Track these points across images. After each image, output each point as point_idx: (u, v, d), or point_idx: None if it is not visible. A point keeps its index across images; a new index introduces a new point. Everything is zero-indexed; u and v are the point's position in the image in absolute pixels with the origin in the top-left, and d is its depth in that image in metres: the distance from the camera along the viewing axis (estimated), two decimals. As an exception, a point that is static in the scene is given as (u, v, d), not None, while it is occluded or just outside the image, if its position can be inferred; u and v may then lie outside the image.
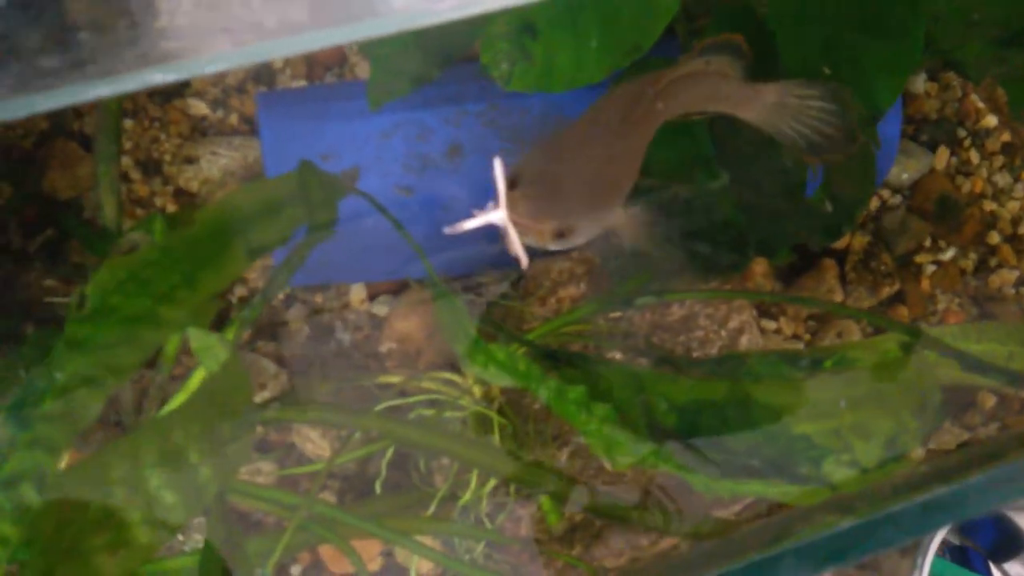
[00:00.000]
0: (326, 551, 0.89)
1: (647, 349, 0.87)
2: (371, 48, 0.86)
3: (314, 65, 1.05)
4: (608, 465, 0.63)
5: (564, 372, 0.68)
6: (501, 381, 0.65)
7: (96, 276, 0.67)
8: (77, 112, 0.96)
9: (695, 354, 0.91)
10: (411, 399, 0.81)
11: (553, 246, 0.62)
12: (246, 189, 0.79)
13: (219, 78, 1.03)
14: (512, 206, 0.60)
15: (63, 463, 0.67)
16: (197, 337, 0.65)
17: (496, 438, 0.78)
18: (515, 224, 0.59)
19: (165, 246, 0.72)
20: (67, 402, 0.63)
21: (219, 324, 0.78)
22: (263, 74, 1.03)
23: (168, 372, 0.82)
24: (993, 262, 1.04)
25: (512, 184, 0.61)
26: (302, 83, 1.04)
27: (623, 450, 0.60)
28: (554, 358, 0.73)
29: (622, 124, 0.66)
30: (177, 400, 0.71)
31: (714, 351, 0.92)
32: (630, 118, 0.67)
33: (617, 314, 0.85)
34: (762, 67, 0.80)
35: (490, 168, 0.87)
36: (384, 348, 0.97)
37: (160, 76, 0.41)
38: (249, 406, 0.64)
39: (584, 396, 0.62)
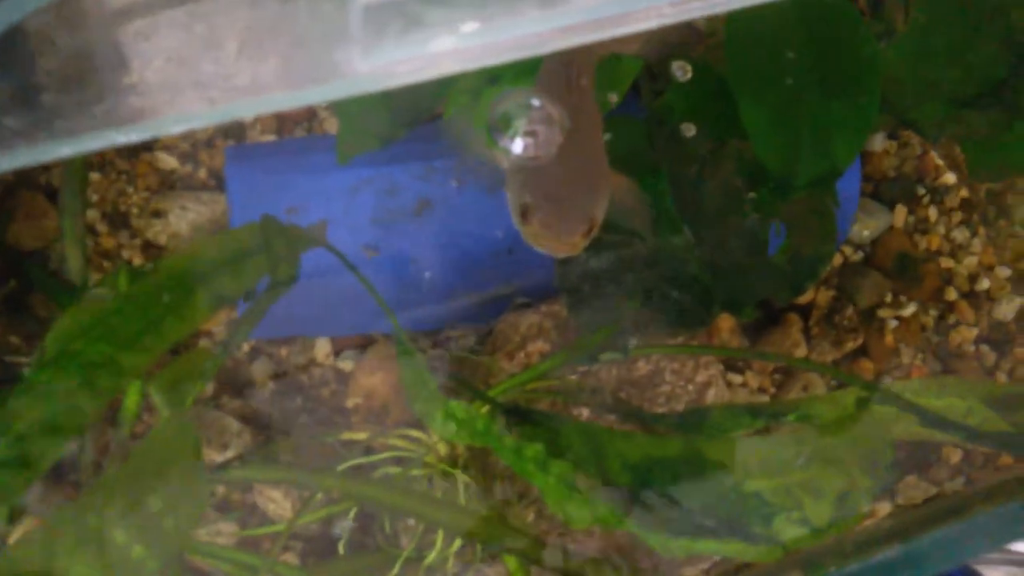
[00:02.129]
0: (288, 612, 0.88)
1: (614, 404, 0.87)
2: (340, 106, 0.87)
3: (284, 120, 1.05)
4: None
5: (524, 429, 0.68)
6: (460, 439, 0.64)
7: (58, 322, 0.67)
8: (43, 164, 0.95)
9: (661, 409, 0.91)
10: (375, 457, 0.80)
11: (587, 242, 0.67)
12: (211, 239, 0.79)
13: (189, 133, 1.03)
14: (537, 239, 0.65)
15: (21, 530, 0.66)
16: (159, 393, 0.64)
17: (462, 497, 0.77)
18: (551, 251, 0.66)
19: (128, 294, 0.72)
20: (23, 448, 0.62)
21: (181, 377, 0.77)
22: (233, 129, 1.04)
23: (129, 430, 0.81)
24: (952, 319, 1.05)
25: (525, 219, 0.65)
26: (272, 137, 1.05)
27: (580, 509, 0.60)
28: (515, 415, 0.73)
29: (571, 111, 0.70)
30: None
31: (680, 406, 0.93)
32: (572, 102, 0.71)
33: (584, 369, 0.85)
34: (723, 126, 0.82)
35: (456, 222, 0.88)
36: (350, 404, 0.96)
37: (123, 137, 0.41)
38: (197, 464, 0.63)
39: (542, 454, 0.62)
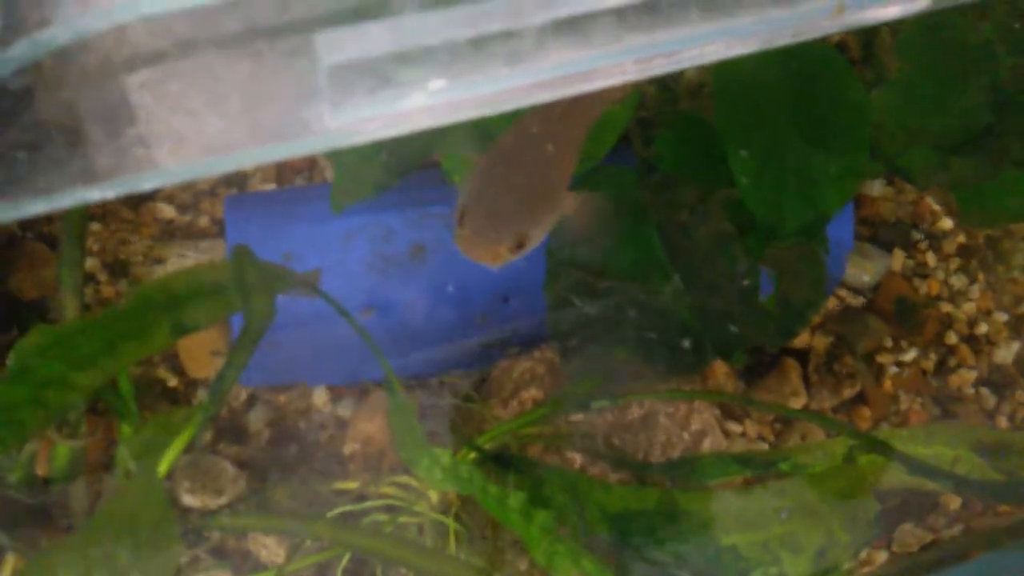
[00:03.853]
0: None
1: (605, 451, 0.87)
2: (335, 155, 0.89)
3: (284, 169, 1.07)
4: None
5: (510, 477, 0.68)
6: (445, 487, 0.64)
7: (22, 341, 0.68)
8: (46, 215, 0.97)
9: (656, 457, 0.91)
10: (365, 504, 0.80)
11: (519, 256, 0.65)
12: (183, 272, 0.80)
13: (190, 183, 1.05)
14: (465, 244, 0.63)
15: (7, 570, 0.66)
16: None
17: (452, 545, 0.77)
18: (476, 258, 0.63)
19: (93, 317, 0.73)
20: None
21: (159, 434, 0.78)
22: (234, 178, 1.06)
23: (124, 476, 0.82)
24: (952, 362, 1.05)
25: (460, 222, 0.64)
26: (272, 186, 1.06)
27: (563, 560, 0.60)
28: (502, 462, 0.73)
29: (551, 123, 0.69)
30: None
31: (676, 453, 0.92)
32: (552, 128, 0.70)
33: (579, 416, 0.85)
34: (713, 174, 0.83)
35: (451, 268, 0.88)
36: (347, 450, 0.96)
37: (98, 193, 0.43)
38: (167, 520, 0.64)
39: (524, 504, 0.62)
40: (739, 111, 0.80)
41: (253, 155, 0.44)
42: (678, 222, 0.82)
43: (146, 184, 0.45)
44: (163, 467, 0.73)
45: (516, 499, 0.61)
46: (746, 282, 0.83)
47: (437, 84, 0.47)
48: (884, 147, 0.85)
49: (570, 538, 0.61)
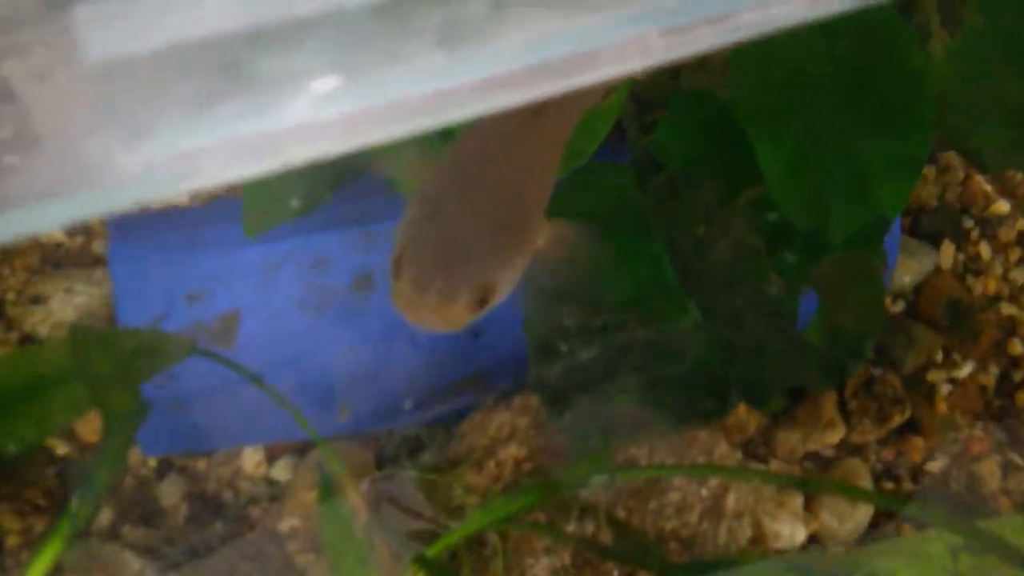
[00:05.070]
0: None
1: (609, 526, 0.69)
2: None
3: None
4: None
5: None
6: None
7: None
8: None
9: (670, 525, 0.73)
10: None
11: (482, 314, 0.46)
12: (7, 359, 0.60)
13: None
14: (405, 303, 0.45)
15: None
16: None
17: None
18: (421, 323, 0.45)
19: None
20: None
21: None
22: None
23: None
24: (1018, 376, 0.87)
25: (397, 270, 0.45)
26: (184, 201, 0.86)
27: None
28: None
29: (524, 122, 0.50)
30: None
31: (694, 517, 0.74)
32: (530, 111, 0.50)
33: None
34: (734, 169, 0.64)
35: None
36: (285, 526, 0.77)
37: None
38: None
39: None
40: (766, 87, 0.61)
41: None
42: (691, 235, 0.63)
43: None
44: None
45: None
46: (781, 308, 0.64)
47: (326, 83, 0.28)
48: (947, 124, 0.66)
49: None
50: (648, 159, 0.67)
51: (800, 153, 0.61)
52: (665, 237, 0.63)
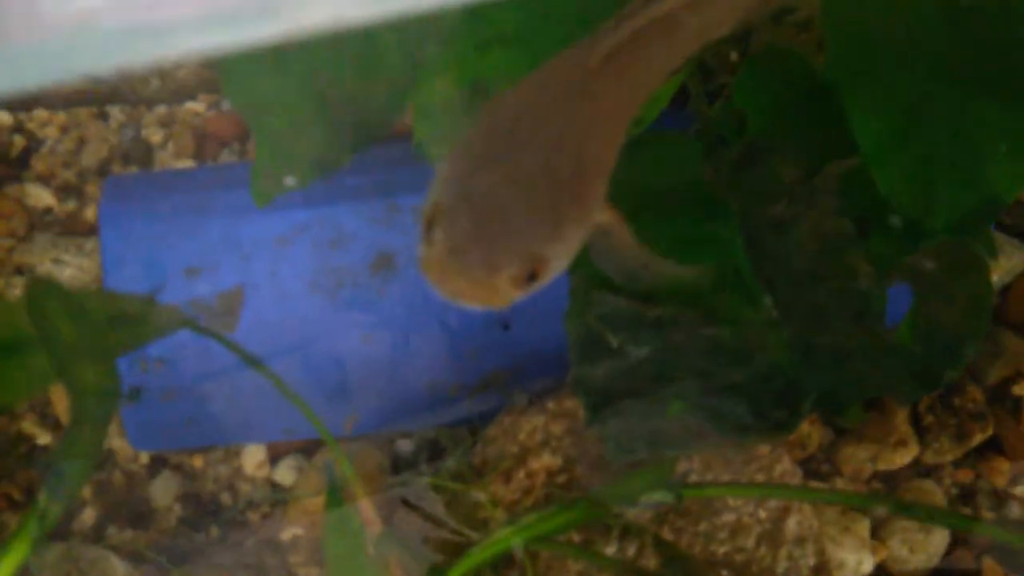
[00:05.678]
0: None
1: (654, 549, 0.60)
2: (256, 116, 0.60)
3: (205, 140, 0.79)
4: None
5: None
6: None
7: None
8: None
9: (723, 550, 0.64)
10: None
11: (530, 293, 0.38)
12: None
13: (73, 157, 0.76)
14: (438, 273, 0.37)
15: None
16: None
17: None
18: (457, 296, 0.37)
19: None
20: None
21: None
22: (135, 152, 0.77)
23: None
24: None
25: (429, 233, 0.38)
26: (189, 163, 0.78)
27: None
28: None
29: (588, 75, 0.43)
30: None
31: (750, 542, 0.65)
32: (595, 63, 0.43)
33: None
34: (821, 140, 0.55)
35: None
36: (287, 535, 0.69)
37: None
38: None
39: None
40: (865, 47, 0.52)
41: None
42: (769, 216, 0.54)
43: None
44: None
45: None
46: (869, 304, 0.55)
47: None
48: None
49: None
50: (716, 129, 0.58)
51: (903, 124, 0.52)
52: (739, 218, 0.54)
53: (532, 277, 0.38)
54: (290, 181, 0.57)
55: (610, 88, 0.44)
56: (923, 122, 0.52)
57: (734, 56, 0.59)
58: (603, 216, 0.42)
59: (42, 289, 0.45)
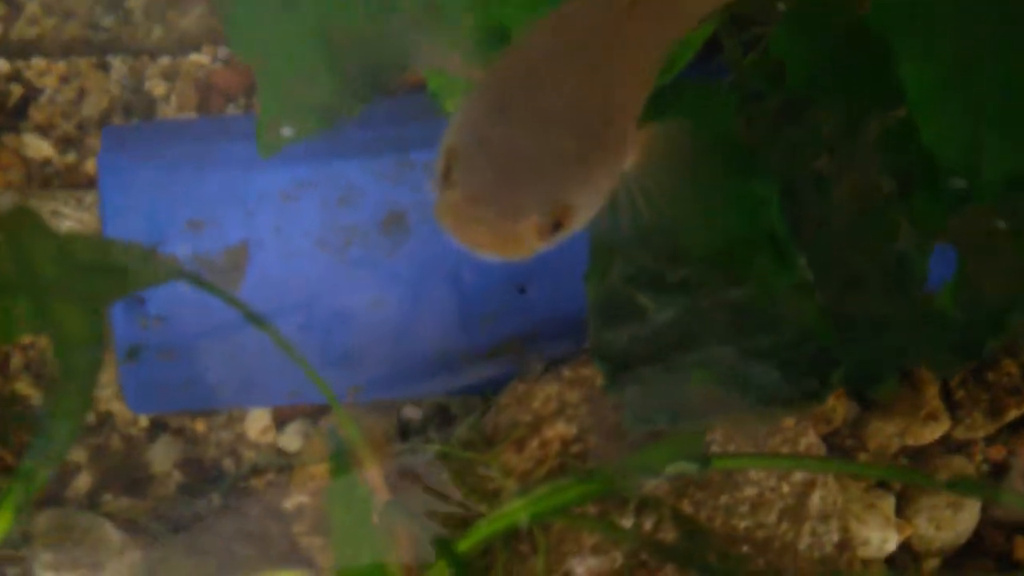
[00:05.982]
0: None
1: (673, 522, 0.57)
2: (261, 63, 0.57)
3: (210, 93, 0.76)
4: None
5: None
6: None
7: None
8: None
9: (744, 524, 0.61)
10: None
11: (555, 243, 0.37)
12: None
13: (73, 107, 0.73)
14: (456, 220, 0.35)
15: None
16: None
17: None
18: (476, 245, 0.35)
19: None
20: None
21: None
22: (138, 104, 0.74)
23: None
24: None
25: (447, 175, 0.36)
26: (192, 115, 0.75)
27: None
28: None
29: (614, 15, 0.41)
30: None
31: (772, 518, 0.63)
32: (617, 26, 0.40)
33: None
34: (862, 91, 0.51)
35: (444, 244, 0.56)
36: (291, 503, 0.66)
37: None
38: None
39: None
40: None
41: None
42: (808, 173, 0.51)
43: None
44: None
45: None
46: (909, 268, 0.52)
47: None
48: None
49: None
50: (751, 80, 0.55)
51: (952, 73, 0.49)
52: (775, 175, 0.51)
53: (557, 226, 0.36)
54: (295, 132, 0.54)
55: (640, 30, 0.41)
56: (974, 72, 0.49)
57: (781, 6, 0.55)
58: (633, 157, 0.39)
59: (23, 223, 0.42)
